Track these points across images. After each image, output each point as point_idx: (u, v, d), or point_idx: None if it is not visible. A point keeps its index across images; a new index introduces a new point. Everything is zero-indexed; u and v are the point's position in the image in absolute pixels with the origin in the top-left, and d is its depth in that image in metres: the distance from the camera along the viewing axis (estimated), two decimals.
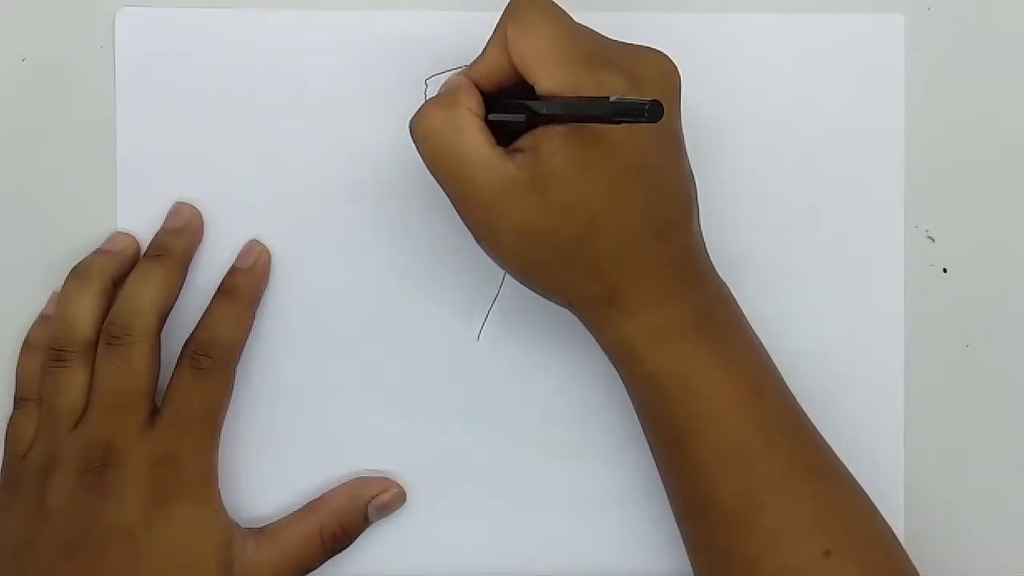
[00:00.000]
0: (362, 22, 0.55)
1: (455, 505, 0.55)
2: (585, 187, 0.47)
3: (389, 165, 0.55)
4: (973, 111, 0.56)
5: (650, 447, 0.51)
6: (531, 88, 0.47)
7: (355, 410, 0.55)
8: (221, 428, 0.53)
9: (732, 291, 0.51)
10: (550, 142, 0.46)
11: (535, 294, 0.50)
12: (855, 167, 0.55)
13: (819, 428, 0.50)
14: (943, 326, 0.55)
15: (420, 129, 0.48)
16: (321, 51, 0.55)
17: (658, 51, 0.49)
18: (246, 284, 0.54)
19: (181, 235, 0.54)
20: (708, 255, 0.50)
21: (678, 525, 0.51)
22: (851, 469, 0.50)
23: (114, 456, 0.51)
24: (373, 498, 0.54)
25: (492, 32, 0.49)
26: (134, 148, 0.55)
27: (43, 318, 0.54)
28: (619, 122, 0.43)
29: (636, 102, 0.43)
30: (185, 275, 0.54)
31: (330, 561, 0.54)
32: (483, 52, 0.49)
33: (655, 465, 0.51)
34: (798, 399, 0.50)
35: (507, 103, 0.48)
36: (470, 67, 0.49)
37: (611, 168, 0.47)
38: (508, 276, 0.50)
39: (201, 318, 0.53)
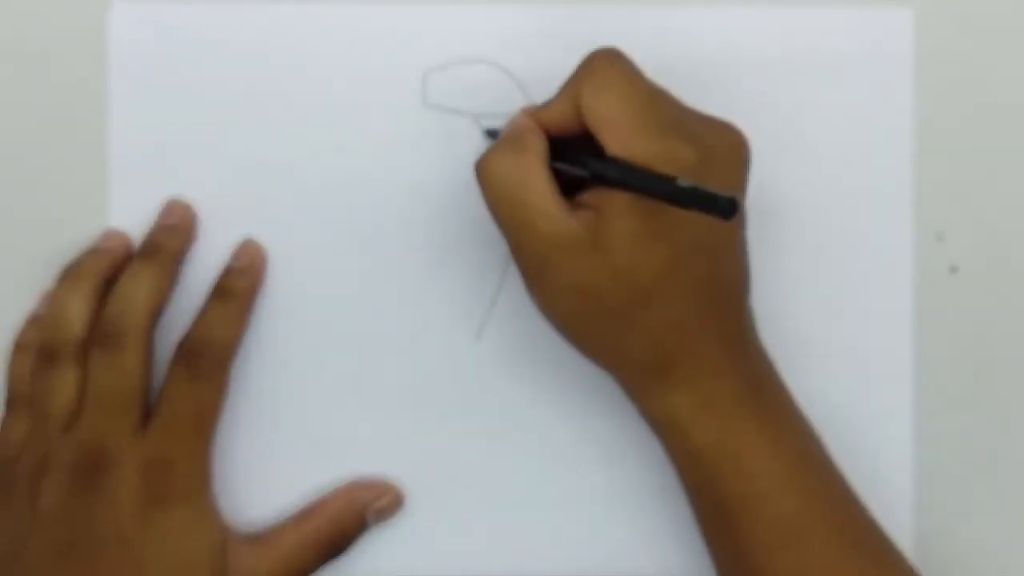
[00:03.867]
0: (361, 16, 0.54)
1: (454, 509, 0.55)
2: (644, 256, 0.46)
3: (388, 163, 0.54)
4: (982, 108, 0.55)
5: (696, 520, 0.50)
6: (596, 141, 0.47)
7: (353, 412, 0.54)
8: (216, 431, 0.53)
9: None
10: (615, 205, 0.46)
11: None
12: (862, 165, 0.55)
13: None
14: (952, 325, 0.55)
15: (487, 173, 0.48)
16: (319, 46, 0.54)
17: (731, 125, 0.48)
18: (241, 284, 0.54)
19: (174, 233, 0.54)
20: (756, 328, 0.50)
21: None
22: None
23: (106, 459, 0.50)
24: (371, 503, 0.54)
25: (565, 82, 0.48)
26: (127, 145, 0.54)
27: (34, 318, 0.54)
28: (688, 208, 0.43)
29: (711, 194, 0.43)
30: (178, 274, 0.54)
31: (327, 566, 0.53)
32: (553, 100, 0.49)
33: (701, 538, 0.50)
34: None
35: (572, 155, 0.48)
36: (537, 109, 0.49)
37: (673, 240, 0.46)
38: (508, 275, 0.50)
39: (195, 318, 0.53)
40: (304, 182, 0.54)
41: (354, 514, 0.53)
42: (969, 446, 0.55)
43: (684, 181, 0.44)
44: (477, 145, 0.54)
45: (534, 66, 0.54)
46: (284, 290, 0.54)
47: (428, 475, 0.54)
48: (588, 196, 0.47)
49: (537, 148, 0.48)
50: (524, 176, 0.47)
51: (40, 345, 0.52)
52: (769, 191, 0.54)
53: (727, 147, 0.48)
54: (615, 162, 0.46)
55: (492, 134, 0.54)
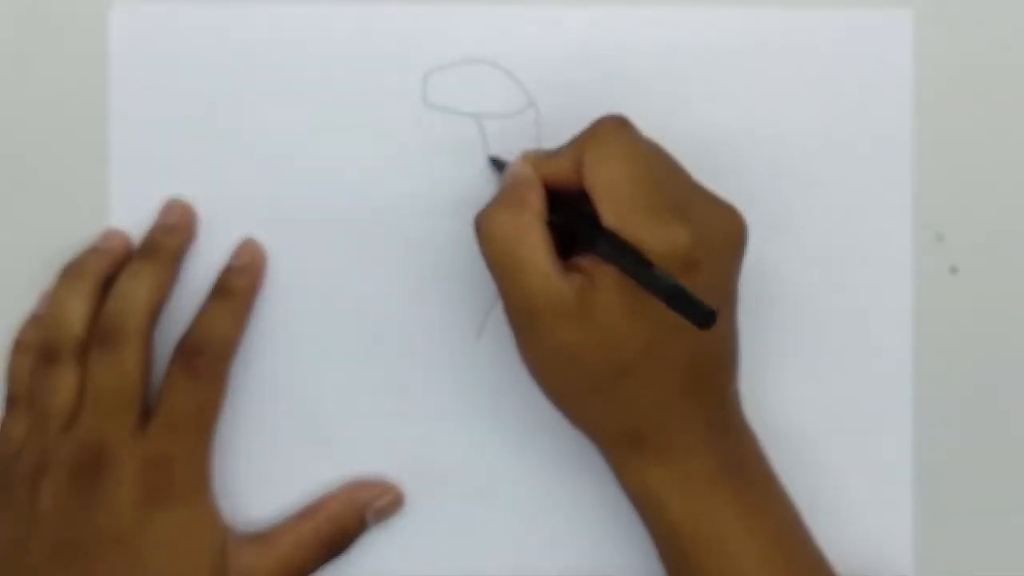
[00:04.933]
0: (361, 16, 0.54)
1: (453, 509, 0.54)
2: (629, 331, 0.46)
3: (389, 163, 0.54)
4: (982, 108, 0.55)
5: None
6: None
7: (352, 412, 0.54)
8: (215, 430, 0.52)
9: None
10: (606, 276, 0.46)
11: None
12: (862, 165, 0.55)
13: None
14: (952, 325, 0.55)
15: (486, 230, 0.48)
16: (319, 46, 0.54)
17: (732, 209, 0.48)
18: (241, 283, 0.53)
19: (173, 232, 0.53)
20: (742, 409, 0.50)
21: None
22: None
23: (106, 458, 0.50)
24: (371, 503, 0.54)
25: (570, 141, 0.48)
26: (127, 145, 0.54)
27: (34, 318, 0.54)
28: (668, 305, 0.43)
29: (693, 301, 0.43)
30: (177, 273, 0.53)
31: (327, 566, 0.53)
32: (556, 156, 0.49)
33: None
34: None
35: (570, 211, 0.48)
36: (539, 160, 0.49)
37: (659, 319, 0.46)
38: None
39: (194, 318, 0.53)
40: (304, 182, 0.54)
41: (354, 514, 0.53)
42: (969, 446, 0.55)
43: (671, 277, 0.44)
44: (478, 146, 0.54)
45: (535, 66, 0.54)
46: (284, 290, 0.54)
47: (428, 475, 0.54)
48: (583, 260, 0.47)
49: (536, 206, 0.48)
50: (521, 234, 0.47)
51: (40, 344, 0.52)
52: (769, 191, 0.54)
53: (724, 233, 0.48)
54: (608, 236, 0.46)
55: (497, 163, 0.53)
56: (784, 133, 0.55)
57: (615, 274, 0.46)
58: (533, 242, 0.47)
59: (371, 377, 0.54)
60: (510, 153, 0.51)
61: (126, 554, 0.49)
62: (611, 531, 0.54)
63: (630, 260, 0.45)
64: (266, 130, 0.54)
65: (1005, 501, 0.55)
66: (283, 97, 0.54)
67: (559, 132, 0.53)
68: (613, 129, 0.48)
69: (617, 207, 0.46)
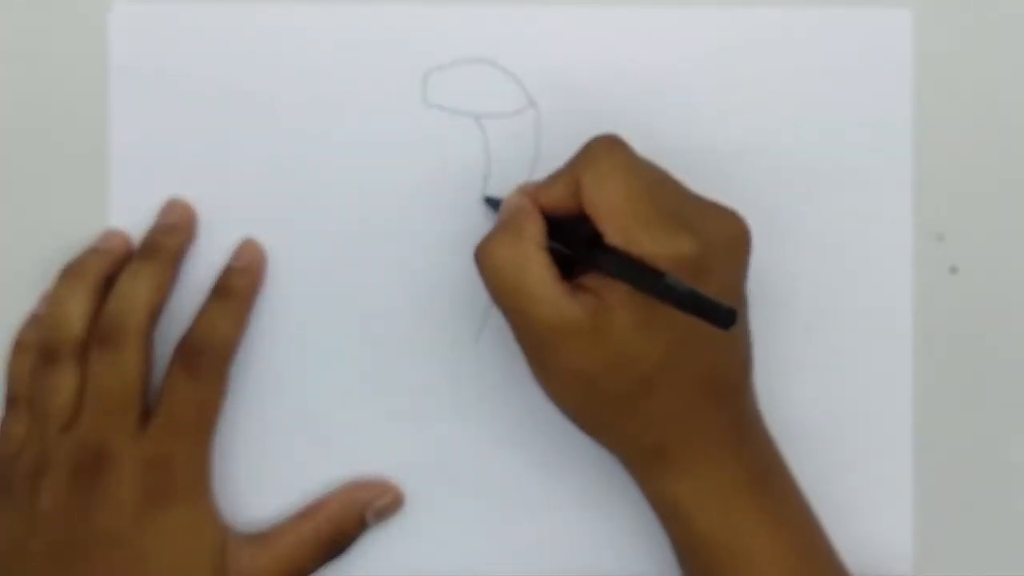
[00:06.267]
0: (361, 16, 0.54)
1: (453, 509, 0.54)
2: (645, 343, 0.46)
3: (388, 163, 0.54)
4: (982, 108, 0.55)
5: None
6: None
7: (352, 412, 0.54)
8: (215, 430, 0.52)
9: None
10: (615, 292, 0.46)
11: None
12: (862, 165, 0.55)
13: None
14: (952, 325, 0.55)
15: (486, 263, 0.48)
16: (319, 46, 0.54)
17: (733, 214, 0.48)
18: (241, 283, 0.53)
19: (173, 233, 0.53)
20: (761, 415, 0.50)
21: None
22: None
23: (106, 458, 0.50)
24: (371, 503, 0.54)
25: (565, 165, 0.48)
26: (127, 145, 0.54)
27: (34, 318, 0.54)
28: (686, 312, 0.43)
29: (711, 304, 0.43)
30: (177, 273, 0.53)
31: (327, 566, 0.53)
32: (552, 183, 0.48)
33: None
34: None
35: (570, 234, 0.48)
36: (535, 189, 0.49)
37: (673, 328, 0.46)
38: None
39: (195, 318, 0.53)
40: (304, 182, 0.54)
41: (354, 514, 0.53)
42: (969, 446, 0.55)
43: (683, 284, 0.44)
44: (478, 146, 0.54)
45: (535, 66, 0.54)
46: (284, 290, 0.54)
47: (427, 475, 0.54)
48: (589, 280, 0.47)
49: (535, 234, 0.47)
50: (523, 264, 0.47)
51: (40, 344, 0.52)
52: (769, 191, 0.54)
53: (728, 238, 0.48)
54: (615, 253, 0.46)
55: (492, 202, 0.53)
56: (783, 133, 0.55)
57: (624, 290, 0.46)
58: (537, 270, 0.47)
59: (371, 377, 0.54)
60: (508, 159, 0.52)
61: (126, 554, 0.49)
62: (611, 531, 0.54)
63: (641, 274, 0.45)
64: (266, 130, 0.54)
65: (1005, 501, 0.55)
66: (283, 97, 0.54)
67: (559, 132, 0.53)
68: (607, 148, 0.48)
69: (620, 224, 0.46)
